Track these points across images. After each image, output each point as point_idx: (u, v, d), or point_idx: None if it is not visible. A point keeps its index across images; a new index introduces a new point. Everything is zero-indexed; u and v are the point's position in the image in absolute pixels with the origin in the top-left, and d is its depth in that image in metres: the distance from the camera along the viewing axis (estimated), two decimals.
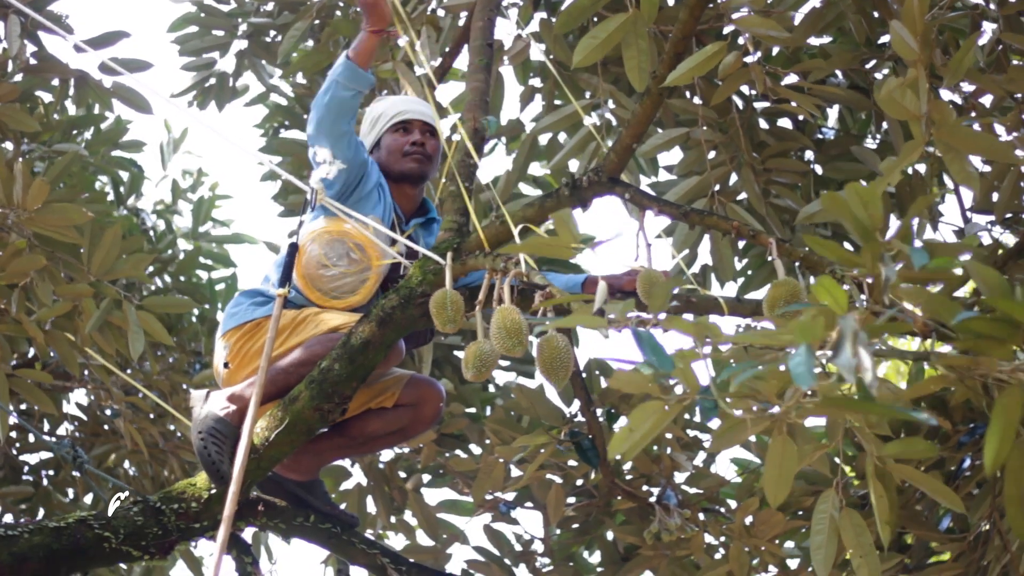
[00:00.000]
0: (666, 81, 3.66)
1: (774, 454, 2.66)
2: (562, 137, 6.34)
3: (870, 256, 2.20)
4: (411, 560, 4.39)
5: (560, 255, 3.11)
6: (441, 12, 6.10)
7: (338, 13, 6.52)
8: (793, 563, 5.28)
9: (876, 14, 5.38)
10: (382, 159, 4.36)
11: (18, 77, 5.89)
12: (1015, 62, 5.03)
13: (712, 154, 5.62)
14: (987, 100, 5.03)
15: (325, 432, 4.26)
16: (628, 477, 5.48)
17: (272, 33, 6.97)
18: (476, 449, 6.49)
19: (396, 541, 6.92)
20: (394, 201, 4.31)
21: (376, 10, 3.97)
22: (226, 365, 4.17)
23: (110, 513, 3.96)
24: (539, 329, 3.10)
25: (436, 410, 4.30)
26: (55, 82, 6.43)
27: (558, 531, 5.84)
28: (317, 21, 6.58)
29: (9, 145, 6.14)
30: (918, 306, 2.19)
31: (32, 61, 6.01)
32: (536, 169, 6.85)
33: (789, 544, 5.47)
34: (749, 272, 6.10)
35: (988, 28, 4.99)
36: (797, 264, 3.82)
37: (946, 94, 4.96)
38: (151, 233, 7.97)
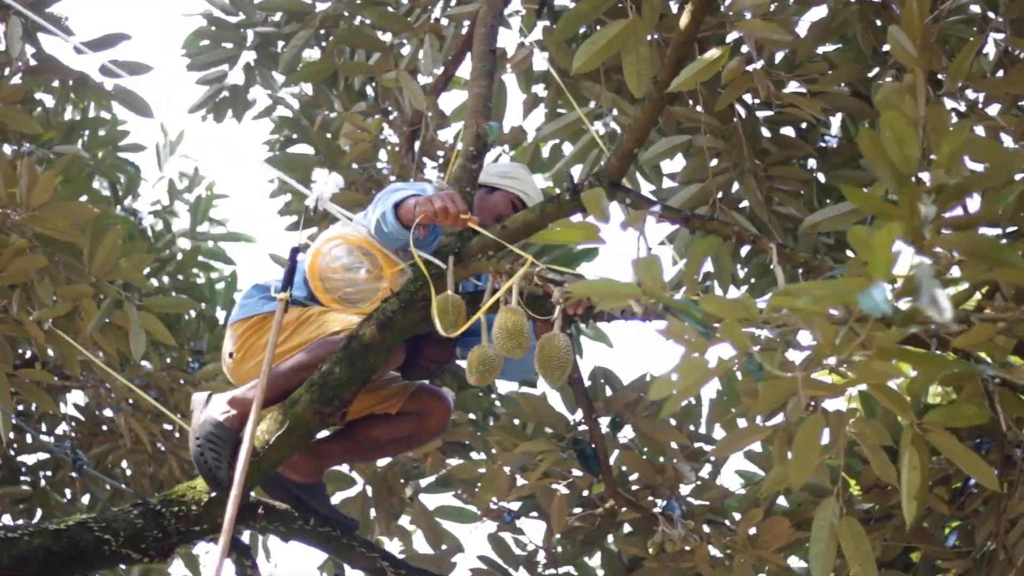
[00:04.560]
0: (669, 87, 3.65)
1: (804, 433, 2.63)
2: (564, 145, 6.35)
3: (908, 200, 2.10)
4: (410, 564, 4.38)
5: (588, 240, 3.10)
6: (444, 21, 6.11)
7: (341, 23, 6.53)
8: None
9: (880, 23, 5.38)
10: (484, 205, 4.38)
11: (17, 78, 5.90)
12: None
13: (714, 161, 5.62)
14: (992, 111, 5.01)
15: (331, 435, 4.28)
16: (632, 487, 5.47)
17: (280, 44, 6.98)
18: (478, 455, 6.48)
19: (396, 548, 6.91)
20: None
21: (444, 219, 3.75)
22: (231, 355, 4.21)
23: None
24: (573, 292, 3.07)
25: (442, 422, 4.30)
26: (55, 84, 6.45)
27: (561, 540, 5.82)
28: (323, 31, 6.59)
29: (8, 149, 6.15)
30: (961, 251, 2.10)
31: (32, 63, 6.02)
32: (539, 181, 6.86)
33: (794, 559, 5.45)
34: (752, 280, 6.09)
35: (996, 36, 4.96)
36: (799, 271, 3.82)
37: (951, 104, 4.94)
38: (149, 233, 7.98)
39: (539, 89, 6.40)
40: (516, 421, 5.89)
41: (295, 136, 7.15)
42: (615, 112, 5.73)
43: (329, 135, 6.66)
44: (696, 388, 2.29)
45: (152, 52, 14.71)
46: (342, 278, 4.06)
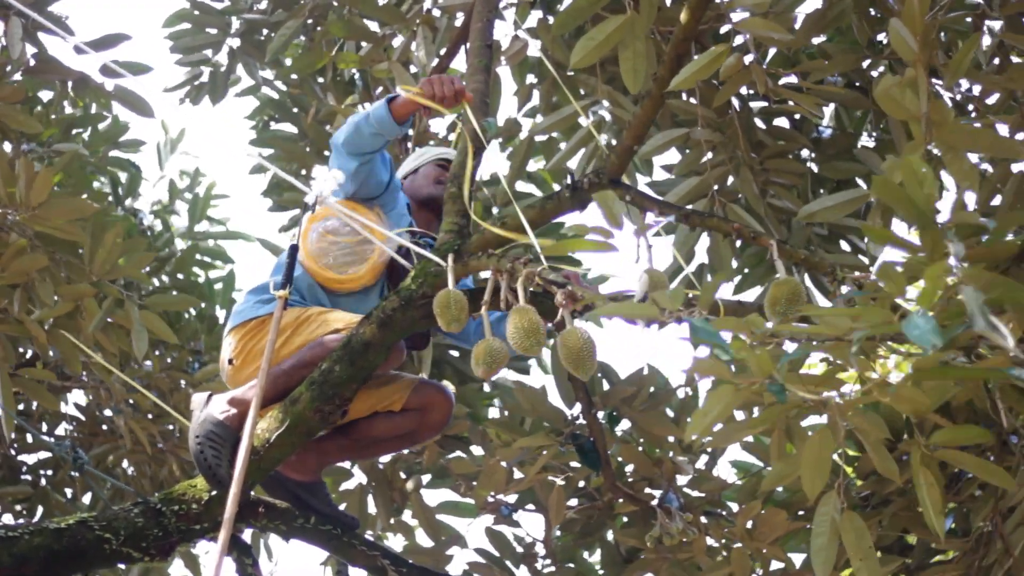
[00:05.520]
0: (670, 85, 3.65)
1: (813, 447, 2.69)
2: (556, 134, 6.33)
3: (930, 240, 2.16)
4: (411, 562, 4.39)
5: (599, 249, 3.13)
6: (437, 12, 6.09)
7: (331, 13, 6.50)
8: (797, 560, 5.28)
9: (874, 13, 5.38)
10: (415, 183, 4.65)
11: (17, 78, 5.87)
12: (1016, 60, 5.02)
13: (710, 154, 5.61)
14: (990, 102, 5.02)
15: (331, 433, 4.28)
16: (630, 480, 5.48)
17: (264, 31, 6.95)
18: (477, 450, 6.48)
19: (395, 542, 6.91)
20: (414, 222, 4.42)
21: (434, 100, 4.01)
22: (230, 362, 4.20)
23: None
24: (592, 313, 3.17)
25: (444, 416, 4.31)
26: (55, 84, 6.42)
27: (560, 533, 5.83)
28: (310, 20, 6.56)
29: (8, 146, 6.12)
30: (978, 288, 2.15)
31: (32, 63, 5.99)
32: (530, 164, 6.85)
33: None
34: (745, 270, 6.09)
35: (991, 28, 4.97)
36: (796, 265, 3.82)
37: (948, 95, 4.94)
38: (148, 233, 7.96)
39: (532, 78, 6.38)
40: (509, 414, 5.90)
41: (277, 116, 7.13)
42: (605, 103, 5.71)
43: (319, 121, 6.64)
44: (727, 413, 2.35)
45: (152, 51, 14.67)
46: (332, 242, 4.09)
